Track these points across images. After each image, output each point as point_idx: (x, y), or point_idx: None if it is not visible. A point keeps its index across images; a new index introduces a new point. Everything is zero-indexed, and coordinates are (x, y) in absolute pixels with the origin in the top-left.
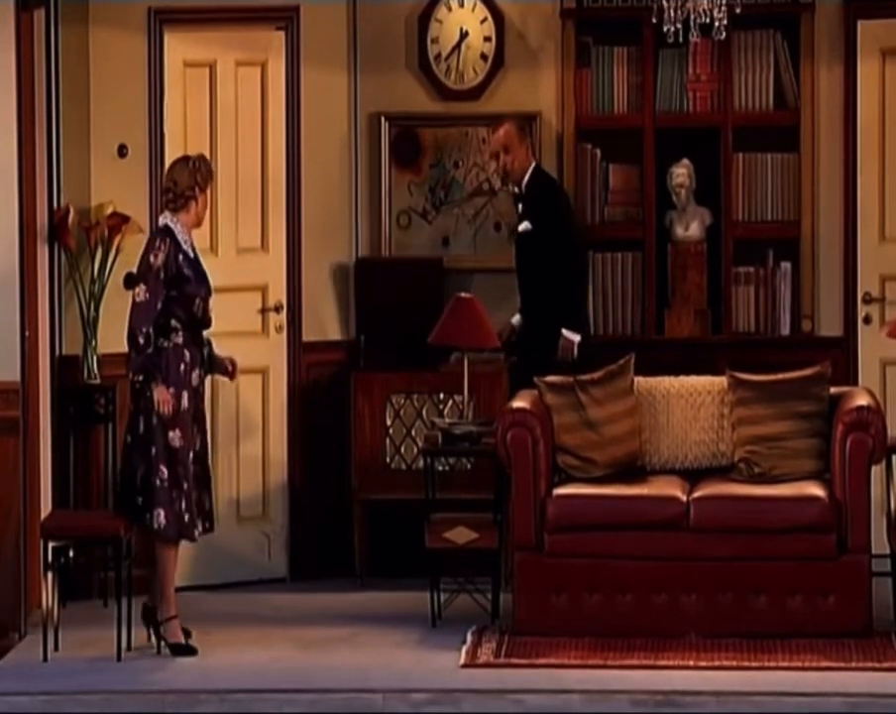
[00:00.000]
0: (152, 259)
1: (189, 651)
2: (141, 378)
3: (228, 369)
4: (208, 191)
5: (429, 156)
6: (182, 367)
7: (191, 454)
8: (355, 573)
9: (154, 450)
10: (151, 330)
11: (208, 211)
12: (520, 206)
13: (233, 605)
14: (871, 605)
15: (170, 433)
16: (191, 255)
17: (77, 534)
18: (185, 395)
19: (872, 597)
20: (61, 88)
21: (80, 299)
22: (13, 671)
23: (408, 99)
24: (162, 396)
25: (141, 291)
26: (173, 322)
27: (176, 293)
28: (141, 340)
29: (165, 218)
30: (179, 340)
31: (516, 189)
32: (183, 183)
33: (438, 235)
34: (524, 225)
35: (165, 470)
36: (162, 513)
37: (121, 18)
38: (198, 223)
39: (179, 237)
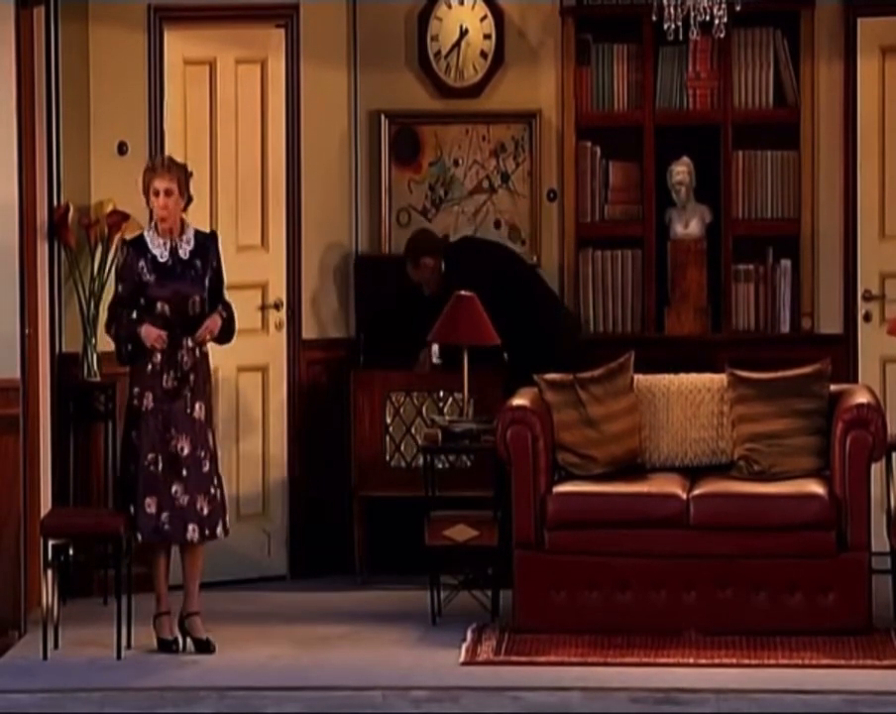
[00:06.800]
0: (115, 269)
1: (172, 649)
2: (130, 346)
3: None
4: (151, 194)
5: (429, 153)
6: (150, 367)
7: (150, 456)
8: (355, 571)
9: (119, 449)
10: (115, 324)
11: (208, 209)
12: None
13: (233, 603)
14: (871, 602)
15: (133, 433)
16: (161, 258)
17: (77, 531)
18: (150, 396)
19: (872, 594)
20: (61, 86)
21: (80, 297)
22: (13, 669)
23: (408, 97)
24: (147, 332)
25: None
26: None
27: (143, 299)
28: (112, 331)
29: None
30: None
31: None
32: None
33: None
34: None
35: (132, 469)
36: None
37: (121, 15)
38: (161, 222)
39: (150, 242)
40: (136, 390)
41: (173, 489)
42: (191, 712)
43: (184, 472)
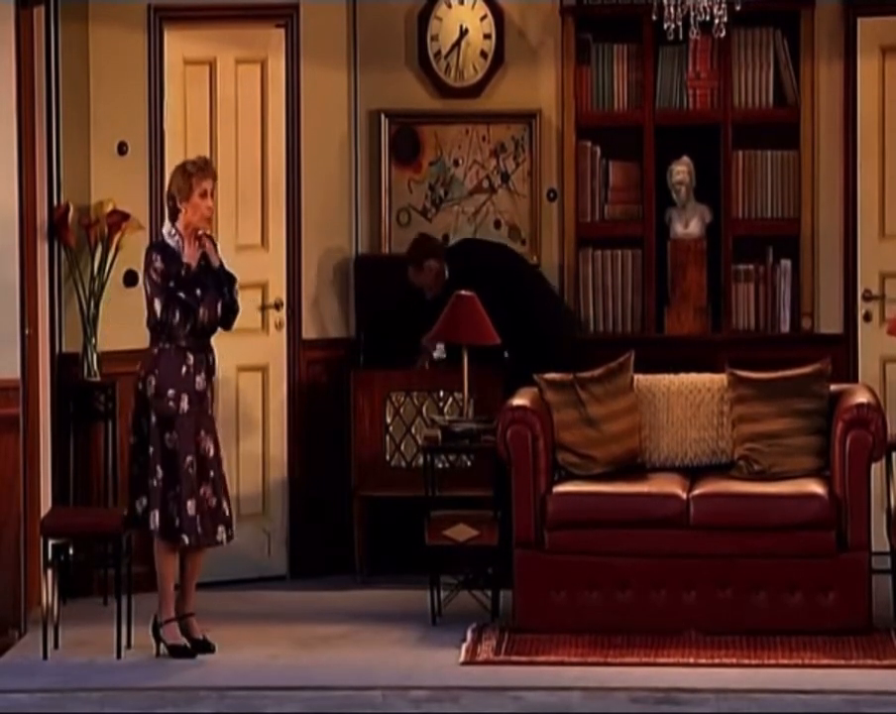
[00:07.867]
0: (153, 274)
1: (188, 652)
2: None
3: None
4: (196, 197)
5: (429, 153)
6: (184, 369)
7: (189, 458)
8: (355, 570)
9: (151, 451)
10: (177, 307)
11: None
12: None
13: (233, 603)
14: (871, 602)
15: (167, 435)
16: (193, 265)
17: (77, 531)
18: (185, 398)
19: (872, 594)
20: (61, 86)
21: (80, 297)
22: (13, 669)
23: (408, 96)
24: (190, 251)
25: (158, 307)
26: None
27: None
28: (176, 318)
29: (164, 228)
30: (182, 343)
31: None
32: (170, 191)
33: (438, 233)
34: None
35: (160, 471)
36: (157, 514)
37: (121, 15)
38: (207, 222)
39: (176, 248)
40: (171, 391)
41: (202, 490)
42: (191, 712)
43: (211, 473)
